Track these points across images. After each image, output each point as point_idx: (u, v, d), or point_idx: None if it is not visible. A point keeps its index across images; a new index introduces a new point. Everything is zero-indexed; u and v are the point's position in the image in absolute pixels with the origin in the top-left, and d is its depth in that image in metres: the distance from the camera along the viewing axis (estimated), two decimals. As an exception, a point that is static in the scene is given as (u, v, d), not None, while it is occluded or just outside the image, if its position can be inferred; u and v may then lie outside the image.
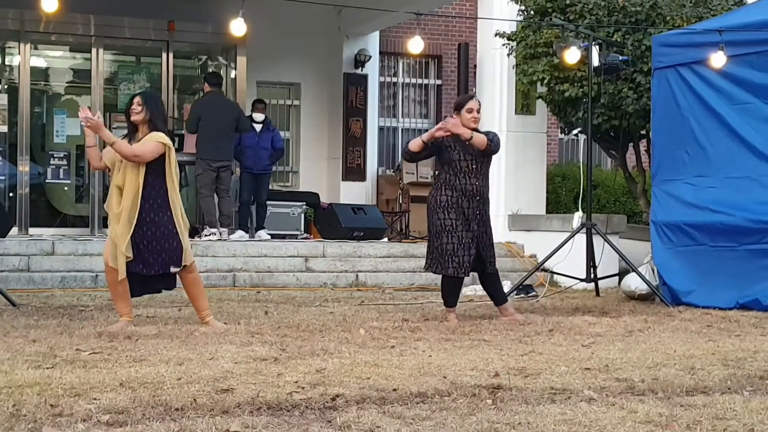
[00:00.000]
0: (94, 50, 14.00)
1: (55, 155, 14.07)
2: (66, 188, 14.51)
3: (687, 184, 9.48)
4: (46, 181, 14.14)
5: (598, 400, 4.61)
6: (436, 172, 7.90)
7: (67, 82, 15.03)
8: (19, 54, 13.66)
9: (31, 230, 13.21)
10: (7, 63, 14.41)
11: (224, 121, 12.38)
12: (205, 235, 11.93)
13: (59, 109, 14.59)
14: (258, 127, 13.18)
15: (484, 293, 10.36)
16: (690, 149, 9.51)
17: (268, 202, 13.49)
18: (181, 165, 12.13)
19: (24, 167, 13.46)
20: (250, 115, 13.25)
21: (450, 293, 7.93)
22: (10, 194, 13.58)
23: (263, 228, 13.12)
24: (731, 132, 9.24)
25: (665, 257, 9.48)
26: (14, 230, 12.22)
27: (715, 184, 9.28)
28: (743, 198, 9.06)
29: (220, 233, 12.10)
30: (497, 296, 8.15)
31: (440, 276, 7.98)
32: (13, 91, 13.76)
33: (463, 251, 7.69)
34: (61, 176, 14.11)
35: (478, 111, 7.86)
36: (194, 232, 12.07)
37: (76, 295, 9.40)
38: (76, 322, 7.21)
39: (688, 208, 9.42)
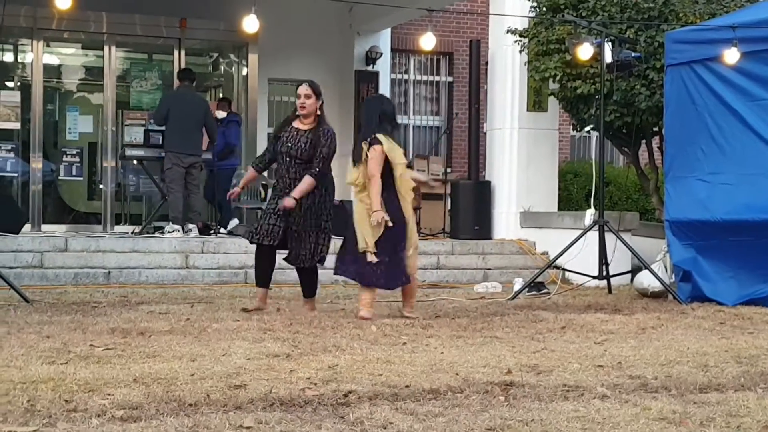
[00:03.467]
0: (106, 47, 14.03)
1: (67, 152, 14.12)
2: (78, 185, 14.56)
3: (700, 181, 9.44)
4: (59, 178, 14.19)
5: (612, 397, 4.60)
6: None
7: (79, 80, 15.09)
8: (31, 51, 13.71)
9: (44, 227, 13.25)
10: (19, 60, 14.47)
11: (193, 115, 12.21)
12: (168, 232, 11.80)
13: (72, 106, 14.64)
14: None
15: (496, 290, 10.42)
16: (704, 146, 9.47)
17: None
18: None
19: (37, 164, 13.51)
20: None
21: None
22: (23, 191, 13.63)
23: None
24: (747, 128, 9.20)
25: (685, 254, 9.42)
26: (27, 227, 12.26)
27: (730, 180, 9.23)
28: (758, 194, 9.02)
29: (186, 230, 11.93)
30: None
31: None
32: (26, 89, 13.81)
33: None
34: (74, 173, 14.16)
35: (306, 96, 7.83)
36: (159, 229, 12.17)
37: (89, 291, 9.42)
38: (89, 318, 7.23)
39: (701, 204, 9.38)
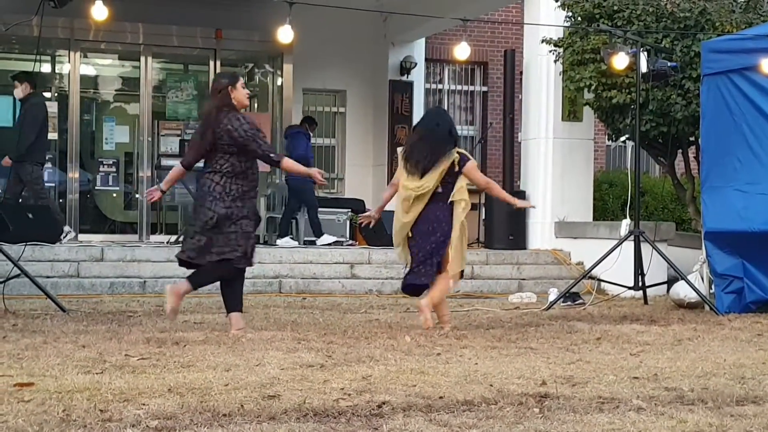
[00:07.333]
0: (142, 58, 14.16)
1: (104, 162, 14.26)
2: (115, 195, 14.68)
3: (738, 191, 9.34)
4: (96, 187, 14.32)
5: (647, 409, 4.56)
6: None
7: (116, 90, 15.23)
8: (69, 62, 13.85)
9: (81, 236, 13.36)
10: (57, 71, 14.62)
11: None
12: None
13: (108, 117, 14.78)
14: None
15: (531, 301, 10.37)
16: (741, 156, 9.37)
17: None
18: None
19: (73, 174, 13.64)
20: None
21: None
22: (60, 201, 13.76)
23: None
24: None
25: (731, 261, 9.32)
26: (64, 236, 12.36)
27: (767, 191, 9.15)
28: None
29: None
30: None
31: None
32: (63, 99, 13.96)
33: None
34: (110, 183, 14.30)
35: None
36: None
37: (125, 300, 9.49)
38: (124, 328, 7.27)
39: (738, 215, 9.29)
